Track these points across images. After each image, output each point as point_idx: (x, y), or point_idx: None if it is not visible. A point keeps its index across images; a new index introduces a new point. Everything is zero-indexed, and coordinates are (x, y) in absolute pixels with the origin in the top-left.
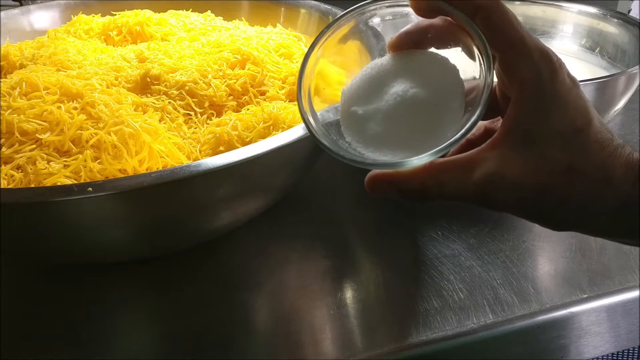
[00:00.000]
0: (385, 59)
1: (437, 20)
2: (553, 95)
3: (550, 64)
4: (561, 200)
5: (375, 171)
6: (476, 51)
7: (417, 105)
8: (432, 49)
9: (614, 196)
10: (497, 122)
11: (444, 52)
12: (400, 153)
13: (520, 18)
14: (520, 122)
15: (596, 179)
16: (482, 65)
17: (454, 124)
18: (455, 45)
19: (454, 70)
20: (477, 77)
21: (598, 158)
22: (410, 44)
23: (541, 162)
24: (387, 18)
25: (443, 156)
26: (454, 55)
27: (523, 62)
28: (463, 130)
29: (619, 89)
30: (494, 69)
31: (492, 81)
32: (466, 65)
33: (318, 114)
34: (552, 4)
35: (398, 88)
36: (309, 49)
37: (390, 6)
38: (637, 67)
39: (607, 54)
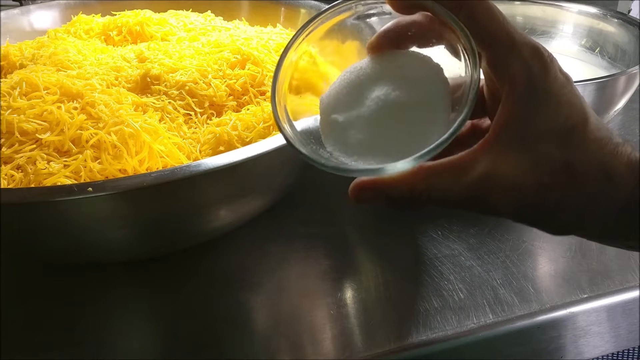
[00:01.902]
0: (365, 62)
1: (418, 17)
2: (545, 92)
3: (541, 59)
4: (561, 200)
5: (360, 178)
6: (460, 48)
7: (400, 108)
8: (414, 48)
9: (617, 196)
10: (485, 120)
11: (426, 51)
12: (385, 160)
13: (520, 18)
14: (512, 121)
15: (597, 177)
16: (468, 62)
17: (441, 125)
18: (438, 43)
19: (437, 69)
20: (463, 74)
21: (598, 156)
22: (391, 44)
23: (538, 161)
24: (386, 17)
25: (432, 159)
26: (438, 53)
27: (512, 57)
28: (450, 131)
29: (619, 89)
30: (480, 66)
31: (479, 79)
32: (450, 62)
33: (299, 122)
34: (552, 4)
35: (379, 92)
36: (285, 48)
37: (366, 4)
38: (637, 67)
39: (607, 54)
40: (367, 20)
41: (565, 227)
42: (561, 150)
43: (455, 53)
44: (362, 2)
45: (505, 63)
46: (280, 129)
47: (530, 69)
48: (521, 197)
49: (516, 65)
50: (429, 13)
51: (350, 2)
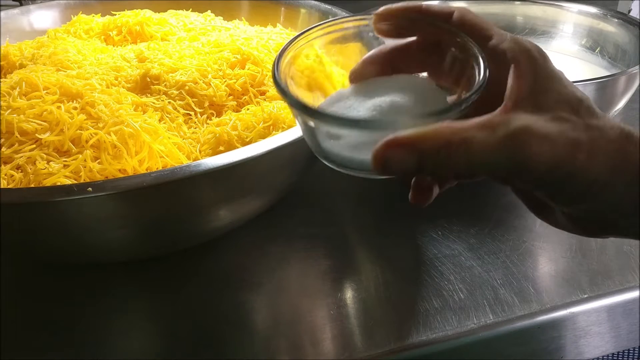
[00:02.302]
0: (350, 89)
1: (400, 44)
2: (548, 71)
3: (536, 47)
4: (591, 154)
5: (390, 137)
6: (454, 56)
7: (400, 111)
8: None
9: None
10: None
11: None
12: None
13: (520, 18)
14: (526, 92)
15: (619, 137)
16: (470, 57)
17: None
18: (422, 69)
19: (429, 80)
20: (449, 98)
21: (611, 123)
22: (374, 72)
23: (560, 121)
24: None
25: None
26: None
27: (510, 44)
28: (478, 83)
29: (619, 89)
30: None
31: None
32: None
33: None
34: (553, 4)
35: (375, 102)
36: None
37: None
38: (638, 67)
39: (608, 53)
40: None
41: (593, 187)
42: (577, 115)
43: (441, 76)
44: (353, 24)
45: (506, 50)
46: (280, 86)
47: (530, 51)
48: (555, 150)
49: (517, 49)
50: (418, 31)
51: (344, 21)
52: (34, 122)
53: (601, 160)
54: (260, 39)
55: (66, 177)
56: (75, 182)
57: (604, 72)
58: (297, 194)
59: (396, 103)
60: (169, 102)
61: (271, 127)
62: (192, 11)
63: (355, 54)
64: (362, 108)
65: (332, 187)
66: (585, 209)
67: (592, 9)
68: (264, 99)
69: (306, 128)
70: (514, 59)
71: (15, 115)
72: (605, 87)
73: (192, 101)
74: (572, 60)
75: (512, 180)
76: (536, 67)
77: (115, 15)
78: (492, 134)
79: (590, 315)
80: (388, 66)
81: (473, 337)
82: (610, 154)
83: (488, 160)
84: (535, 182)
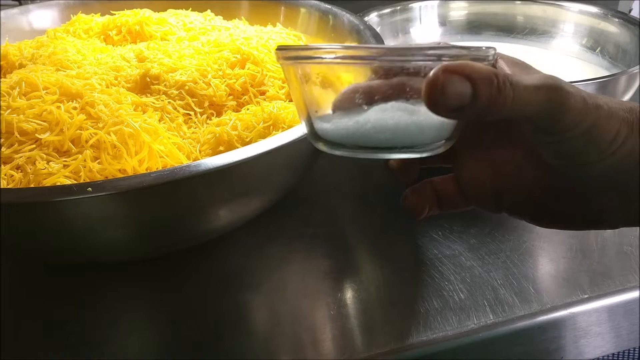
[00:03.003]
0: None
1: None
2: (525, 66)
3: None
4: (611, 110)
5: (442, 64)
6: None
7: (409, 109)
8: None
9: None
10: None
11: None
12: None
13: (520, 17)
14: (520, 70)
15: (627, 104)
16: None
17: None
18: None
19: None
20: None
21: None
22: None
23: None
24: (385, 12)
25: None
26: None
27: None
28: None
29: (619, 88)
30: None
31: None
32: None
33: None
34: (553, 4)
35: (379, 105)
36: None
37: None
38: (638, 67)
39: (608, 53)
40: (366, 19)
41: (617, 139)
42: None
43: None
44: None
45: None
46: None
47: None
48: (583, 97)
49: (499, 53)
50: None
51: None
52: (34, 122)
53: (620, 117)
54: (260, 38)
55: (66, 177)
56: (75, 182)
57: (604, 72)
58: (297, 194)
59: (402, 106)
60: (169, 102)
61: (271, 127)
62: (191, 11)
63: None
64: (368, 110)
65: (332, 187)
66: (604, 173)
67: (593, 9)
68: (264, 99)
69: (317, 100)
70: (498, 54)
71: (15, 115)
72: (606, 87)
73: (192, 101)
74: (572, 60)
75: (546, 127)
76: (517, 59)
77: (115, 14)
78: (527, 79)
79: (591, 316)
80: (372, 99)
81: (473, 337)
82: (626, 114)
83: (530, 98)
84: (564, 133)
